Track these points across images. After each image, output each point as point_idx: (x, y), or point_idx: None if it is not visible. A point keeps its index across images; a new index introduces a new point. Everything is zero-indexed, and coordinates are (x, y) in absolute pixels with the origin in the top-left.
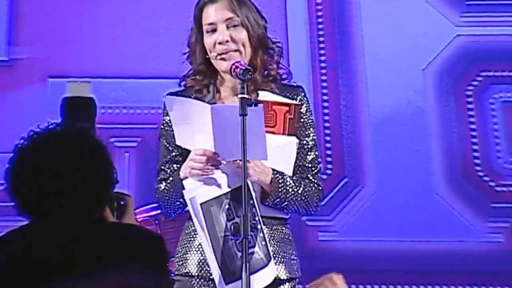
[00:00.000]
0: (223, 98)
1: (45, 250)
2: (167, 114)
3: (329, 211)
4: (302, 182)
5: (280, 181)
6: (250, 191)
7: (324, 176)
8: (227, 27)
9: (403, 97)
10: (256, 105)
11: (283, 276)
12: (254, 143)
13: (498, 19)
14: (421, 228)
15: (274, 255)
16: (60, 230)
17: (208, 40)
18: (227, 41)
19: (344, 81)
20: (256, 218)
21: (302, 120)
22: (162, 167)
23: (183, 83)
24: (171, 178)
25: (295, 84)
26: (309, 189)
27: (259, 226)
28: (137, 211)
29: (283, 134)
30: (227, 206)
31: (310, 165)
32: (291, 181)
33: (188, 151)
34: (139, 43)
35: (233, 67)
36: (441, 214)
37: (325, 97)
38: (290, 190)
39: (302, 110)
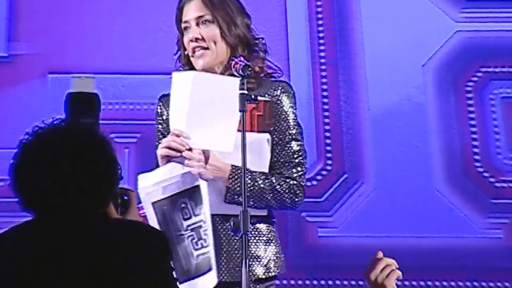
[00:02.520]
0: None
1: (48, 247)
2: (159, 114)
3: (329, 207)
4: (271, 178)
5: (236, 176)
6: (206, 190)
7: (324, 172)
8: (197, 25)
9: (403, 93)
10: (256, 100)
11: (261, 275)
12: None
13: (498, 15)
14: (421, 224)
15: (249, 254)
16: (64, 227)
17: (184, 39)
18: (196, 39)
19: (344, 77)
20: (201, 218)
21: (280, 116)
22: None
23: None
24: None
25: (277, 80)
26: (279, 183)
27: (203, 228)
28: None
29: (251, 131)
30: (183, 205)
31: (283, 160)
32: (251, 176)
33: None
34: (139, 39)
35: (233, 63)
36: (441, 210)
37: (325, 93)
38: (249, 185)
39: (283, 106)
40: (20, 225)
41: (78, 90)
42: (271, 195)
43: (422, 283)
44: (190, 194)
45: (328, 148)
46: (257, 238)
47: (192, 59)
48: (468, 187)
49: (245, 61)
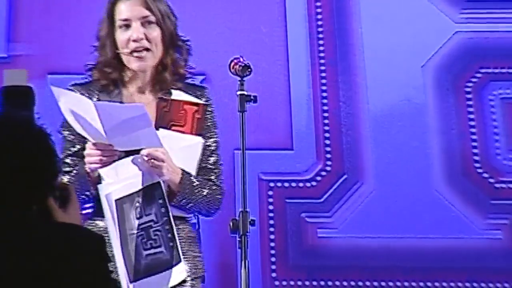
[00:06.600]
0: (131, 95)
1: None
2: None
3: (329, 208)
4: (207, 184)
5: (187, 182)
6: (162, 190)
7: (323, 173)
8: (142, 25)
9: (402, 94)
10: (256, 101)
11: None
12: (145, 134)
13: (498, 16)
14: (420, 224)
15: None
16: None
17: (121, 36)
18: (141, 39)
19: (343, 78)
20: (165, 218)
21: (206, 121)
22: (65, 160)
23: (88, 73)
24: (74, 171)
25: (199, 84)
26: (213, 191)
27: (167, 227)
28: None
29: (191, 133)
30: (137, 204)
31: (213, 167)
32: (197, 183)
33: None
34: None
35: (232, 63)
36: (440, 210)
37: (324, 94)
38: (196, 191)
39: (210, 113)
40: None
41: (11, 84)
42: (209, 202)
43: (421, 284)
44: (144, 193)
45: (328, 148)
46: (186, 237)
47: (127, 57)
48: (468, 188)
49: (244, 62)
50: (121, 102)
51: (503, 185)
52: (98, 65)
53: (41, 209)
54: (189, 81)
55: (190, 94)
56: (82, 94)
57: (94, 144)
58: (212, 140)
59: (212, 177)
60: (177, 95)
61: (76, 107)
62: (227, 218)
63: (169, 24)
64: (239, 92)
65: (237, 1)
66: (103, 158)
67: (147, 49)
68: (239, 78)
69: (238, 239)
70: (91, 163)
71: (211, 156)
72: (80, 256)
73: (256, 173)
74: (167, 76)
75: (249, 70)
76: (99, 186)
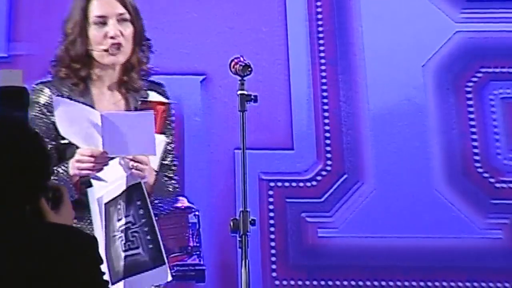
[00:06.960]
0: (101, 93)
1: None
2: (45, 105)
3: (329, 208)
4: (169, 182)
5: (159, 181)
6: (143, 192)
7: (324, 173)
8: (118, 22)
9: (403, 93)
10: (256, 100)
11: None
12: (144, 141)
13: (498, 16)
14: (421, 224)
15: None
16: None
17: (96, 32)
18: (118, 36)
19: (344, 77)
20: (143, 220)
21: (168, 119)
22: None
23: (54, 70)
24: (54, 173)
25: (158, 81)
26: (174, 188)
27: (146, 228)
28: None
29: (158, 132)
30: (119, 206)
31: (171, 164)
32: (164, 181)
33: (66, 146)
34: None
35: (233, 63)
36: (441, 210)
37: (324, 94)
38: (164, 190)
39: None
40: None
41: (6, 84)
42: (171, 199)
43: (421, 283)
44: (125, 195)
45: (328, 148)
46: None
47: (100, 53)
48: (468, 188)
49: (244, 61)
50: (91, 101)
51: (504, 185)
52: (65, 61)
53: (34, 209)
54: (148, 78)
55: (157, 92)
56: (52, 92)
57: (86, 150)
58: (170, 138)
59: (171, 174)
60: (152, 96)
61: (73, 114)
62: (227, 218)
63: (140, 22)
64: (239, 92)
65: (237, 1)
66: (96, 164)
67: (121, 46)
68: (239, 78)
69: (238, 238)
70: (81, 169)
71: (170, 154)
72: (80, 257)
73: (257, 172)
74: (134, 75)
75: (250, 69)
76: (89, 189)
